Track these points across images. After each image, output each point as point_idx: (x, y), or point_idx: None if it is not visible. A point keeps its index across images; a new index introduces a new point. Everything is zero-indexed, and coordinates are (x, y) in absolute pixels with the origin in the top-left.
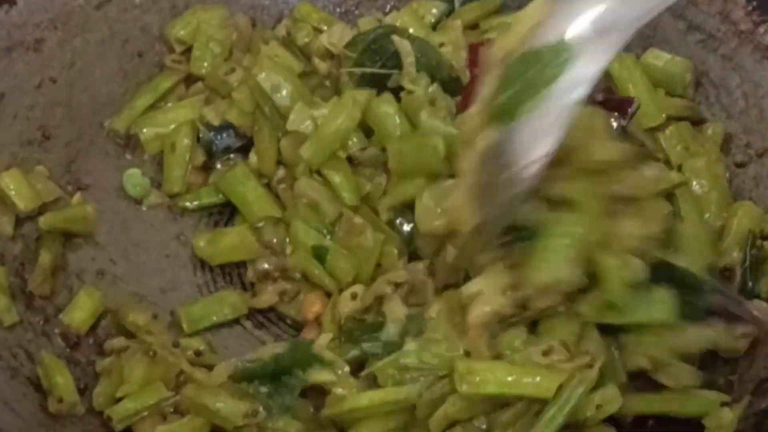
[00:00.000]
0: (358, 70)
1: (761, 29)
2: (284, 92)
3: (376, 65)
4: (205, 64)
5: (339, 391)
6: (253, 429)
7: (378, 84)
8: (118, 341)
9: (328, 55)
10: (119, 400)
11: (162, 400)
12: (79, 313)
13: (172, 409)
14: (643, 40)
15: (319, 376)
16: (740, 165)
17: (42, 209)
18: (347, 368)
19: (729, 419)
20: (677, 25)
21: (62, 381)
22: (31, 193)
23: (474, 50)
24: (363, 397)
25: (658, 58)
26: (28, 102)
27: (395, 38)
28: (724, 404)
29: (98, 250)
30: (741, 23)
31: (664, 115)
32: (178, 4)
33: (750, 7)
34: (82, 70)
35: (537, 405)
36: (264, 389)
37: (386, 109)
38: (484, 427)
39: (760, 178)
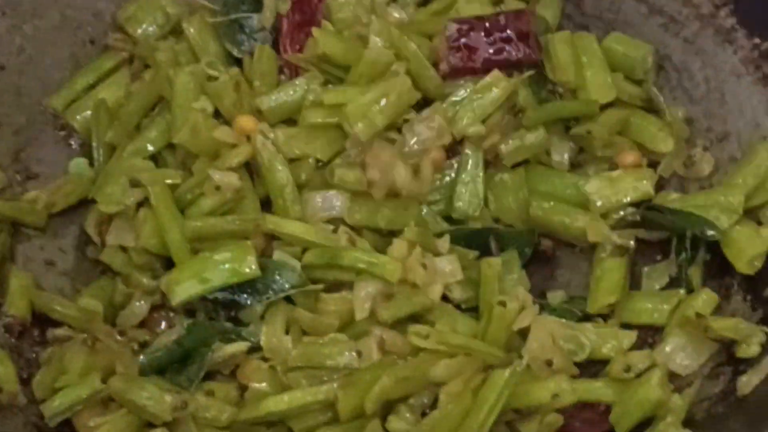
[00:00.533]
0: (222, 19)
1: (722, 12)
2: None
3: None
4: (143, 26)
5: (256, 386)
6: (189, 420)
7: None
8: (61, 330)
9: None
10: (60, 390)
11: (95, 393)
12: (19, 299)
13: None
14: (605, 23)
15: (229, 348)
16: (701, 149)
17: None
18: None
19: (679, 406)
20: (639, 9)
21: (3, 370)
22: None
23: None
24: (280, 401)
25: (620, 42)
26: None
27: None
28: (674, 390)
29: (47, 239)
30: (702, 6)
31: (614, 94)
32: None
33: None
34: (32, 56)
35: (478, 378)
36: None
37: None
38: (425, 401)
39: (721, 162)
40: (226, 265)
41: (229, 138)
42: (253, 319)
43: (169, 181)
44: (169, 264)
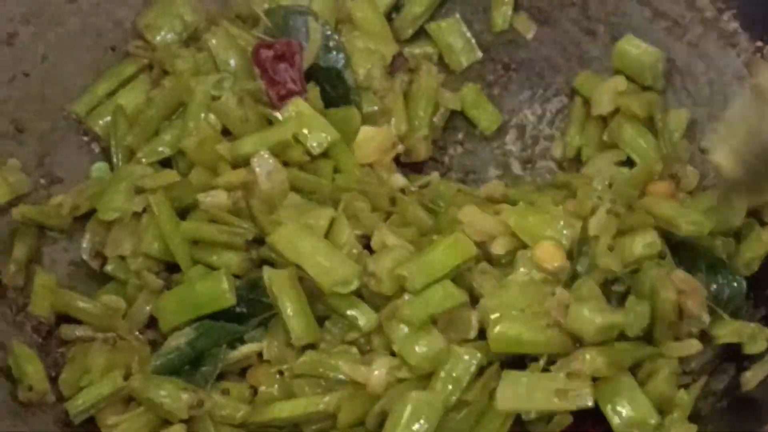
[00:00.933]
0: (266, 39)
1: (725, 16)
2: (232, 62)
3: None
4: (162, 33)
5: (266, 390)
6: (206, 418)
7: None
8: (81, 330)
9: None
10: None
11: (117, 390)
12: (41, 299)
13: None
14: (610, 27)
15: (244, 348)
16: (705, 151)
17: (15, 201)
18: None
19: (685, 401)
20: (643, 13)
21: (32, 369)
22: (5, 186)
23: (257, 51)
24: (284, 408)
25: (634, 45)
26: (1, 96)
27: (310, 20)
28: (681, 386)
29: (72, 242)
30: (706, 10)
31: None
32: None
33: None
34: (55, 64)
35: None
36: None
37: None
38: None
39: None
40: (205, 296)
41: (229, 156)
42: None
43: (168, 182)
44: (172, 266)
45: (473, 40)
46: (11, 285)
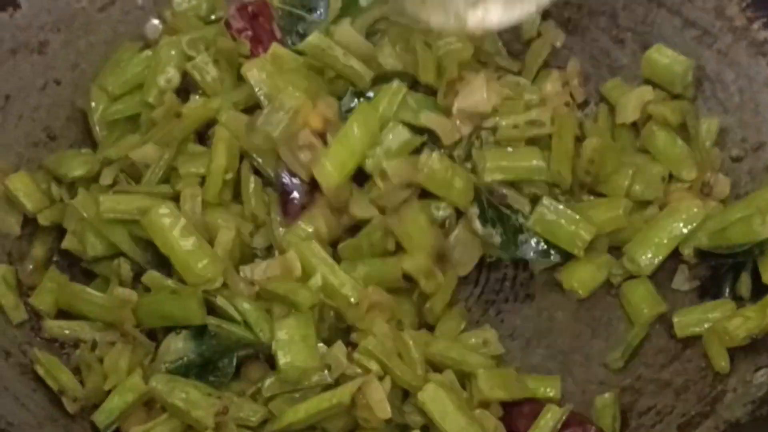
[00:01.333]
0: (285, 7)
1: (755, 25)
2: None
3: (303, 9)
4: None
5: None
6: (230, 422)
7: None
8: (102, 336)
9: None
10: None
11: (141, 396)
12: (46, 294)
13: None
14: (639, 36)
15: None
16: (736, 159)
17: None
18: None
19: None
20: (673, 22)
21: (66, 379)
22: (39, 194)
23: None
24: (299, 410)
25: (663, 54)
26: (33, 103)
27: None
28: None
29: None
30: (736, 19)
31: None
32: None
33: (744, 4)
34: (85, 71)
35: None
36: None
37: None
38: None
39: (756, 172)
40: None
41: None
42: None
43: None
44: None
45: (503, 50)
46: (28, 284)
